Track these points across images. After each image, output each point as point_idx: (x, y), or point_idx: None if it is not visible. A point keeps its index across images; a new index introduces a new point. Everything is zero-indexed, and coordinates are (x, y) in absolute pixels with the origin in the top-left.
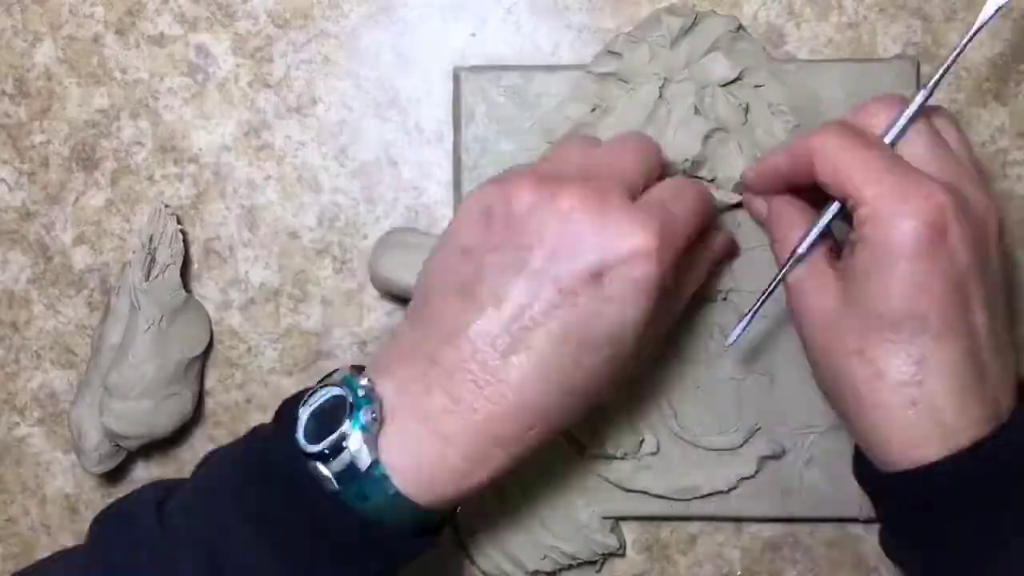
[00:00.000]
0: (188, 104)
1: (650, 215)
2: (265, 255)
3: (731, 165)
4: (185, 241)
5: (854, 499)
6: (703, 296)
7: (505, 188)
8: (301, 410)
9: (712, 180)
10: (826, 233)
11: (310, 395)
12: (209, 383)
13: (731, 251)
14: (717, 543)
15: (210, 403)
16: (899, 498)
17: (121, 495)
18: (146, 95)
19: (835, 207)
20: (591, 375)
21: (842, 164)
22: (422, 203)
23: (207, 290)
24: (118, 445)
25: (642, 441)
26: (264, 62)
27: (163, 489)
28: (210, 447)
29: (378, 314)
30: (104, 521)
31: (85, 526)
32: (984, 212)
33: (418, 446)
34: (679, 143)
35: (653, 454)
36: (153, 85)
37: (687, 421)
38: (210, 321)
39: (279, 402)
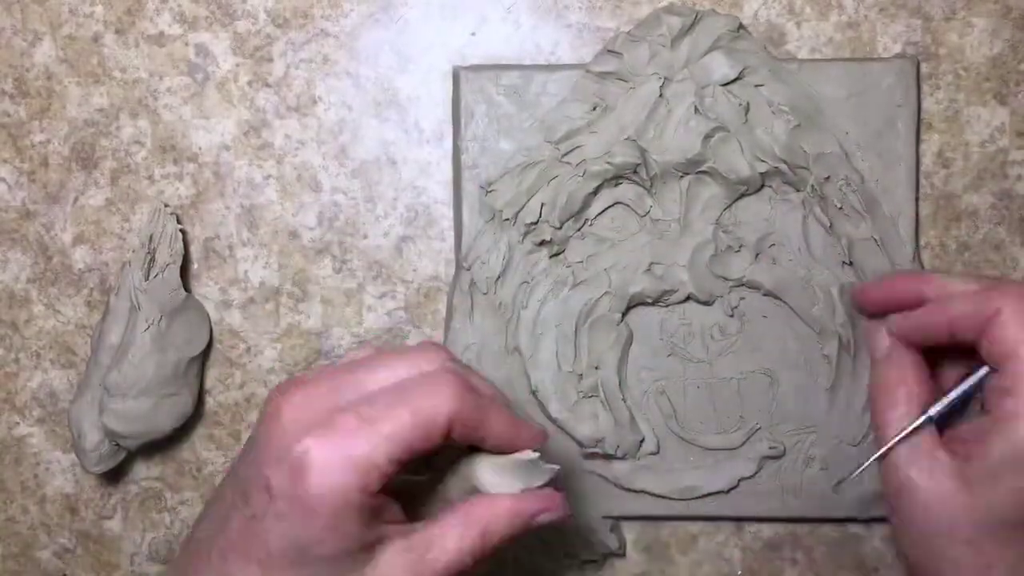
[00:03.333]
0: (188, 103)
1: (329, 426)
2: (265, 255)
3: (731, 164)
4: (185, 241)
5: (854, 499)
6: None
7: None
8: None
9: (712, 176)
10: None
11: None
12: (209, 383)
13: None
14: (717, 543)
15: (210, 403)
16: None
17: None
18: (146, 95)
19: (983, 372)
20: None
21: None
22: (422, 203)
23: (207, 290)
24: (118, 445)
25: (642, 441)
26: (264, 62)
27: None
28: (210, 447)
29: (378, 314)
30: None
31: (85, 526)
32: None
33: None
34: (679, 142)
35: (653, 454)
36: (153, 84)
37: (687, 421)
38: (210, 321)
39: None
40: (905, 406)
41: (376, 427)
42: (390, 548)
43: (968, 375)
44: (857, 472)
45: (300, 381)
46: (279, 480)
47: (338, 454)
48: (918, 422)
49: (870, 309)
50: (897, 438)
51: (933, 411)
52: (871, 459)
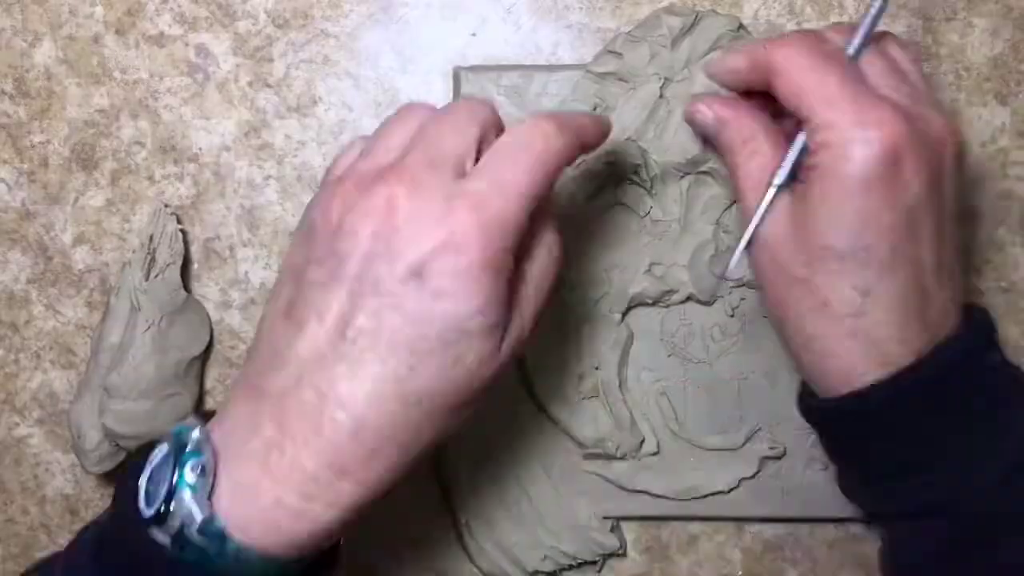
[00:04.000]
0: (188, 104)
1: (468, 192)
2: (265, 255)
3: None
4: (185, 241)
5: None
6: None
7: (321, 197)
8: (145, 466)
9: (712, 176)
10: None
11: (148, 452)
12: (209, 383)
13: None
14: (718, 543)
15: (210, 403)
16: (839, 423)
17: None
18: (146, 95)
19: (803, 138)
20: (436, 384)
21: (803, 83)
22: None
23: (207, 290)
24: (118, 445)
25: (642, 441)
26: (264, 62)
27: (37, 570)
28: None
29: None
30: None
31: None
32: (941, 137)
33: (252, 492)
34: (679, 143)
35: (653, 454)
36: (153, 85)
37: (687, 421)
38: (210, 321)
39: None
40: (757, 158)
41: (508, 184)
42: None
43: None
44: (735, 259)
45: (390, 170)
46: (431, 259)
47: (487, 219)
48: (768, 196)
49: (728, 84)
50: (755, 220)
51: (777, 180)
52: (743, 243)
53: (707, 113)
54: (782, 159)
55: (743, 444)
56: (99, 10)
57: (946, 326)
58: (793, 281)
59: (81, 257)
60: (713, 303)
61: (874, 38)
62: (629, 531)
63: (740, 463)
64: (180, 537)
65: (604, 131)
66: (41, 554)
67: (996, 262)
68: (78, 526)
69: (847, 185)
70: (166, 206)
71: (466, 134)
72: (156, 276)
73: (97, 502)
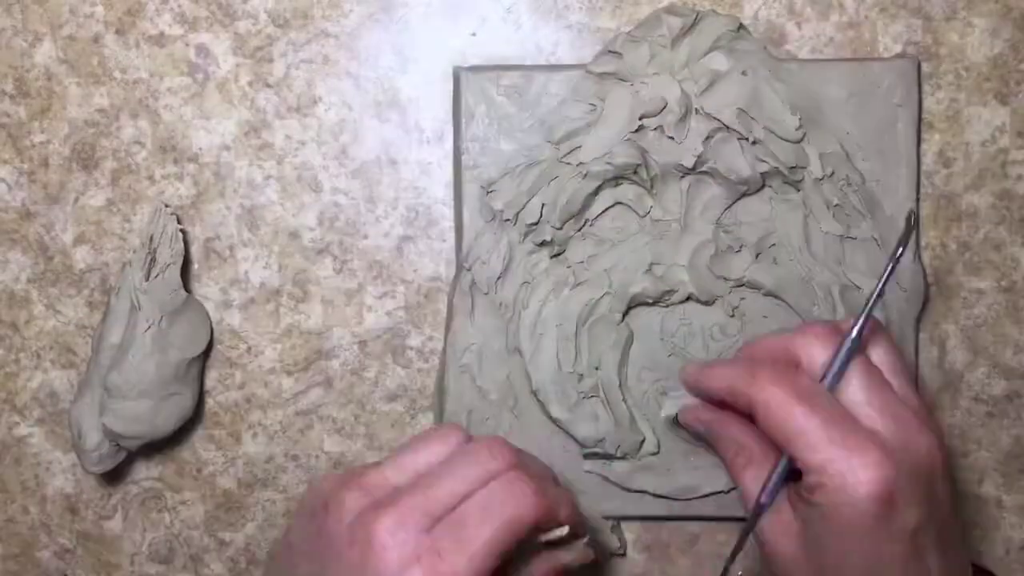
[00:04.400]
0: (188, 104)
1: (428, 553)
2: (265, 255)
3: (732, 165)
4: (185, 241)
5: None
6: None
7: (329, 497)
8: None
9: (712, 176)
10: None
11: None
12: (209, 383)
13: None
14: (718, 543)
15: (210, 403)
16: None
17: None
18: (146, 95)
19: (785, 462)
20: None
21: (784, 426)
22: (422, 203)
23: (207, 290)
24: (118, 445)
25: (642, 441)
26: (264, 62)
27: None
28: (210, 447)
29: (378, 314)
30: None
31: (85, 526)
32: (928, 457)
33: None
34: (680, 143)
35: (653, 454)
36: (153, 85)
37: None
38: (210, 321)
39: (279, 401)
40: (750, 470)
41: (475, 547)
42: None
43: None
44: (733, 560)
45: (384, 503)
46: None
47: (445, 569)
48: (751, 519)
49: (705, 397)
50: (743, 536)
51: (764, 498)
52: (738, 546)
53: (697, 424)
54: (765, 482)
55: None
56: (99, 10)
57: None
58: None
59: (81, 257)
60: (713, 303)
61: (861, 344)
62: (629, 531)
63: None
64: None
65: (574, 511)
66: (41, 553)
67: (996, 262)
68: (78, 526)
69: (848, 527)
70: (166, 206)
71: (457, 486)
72: (156, 276)
73: (97, 502)
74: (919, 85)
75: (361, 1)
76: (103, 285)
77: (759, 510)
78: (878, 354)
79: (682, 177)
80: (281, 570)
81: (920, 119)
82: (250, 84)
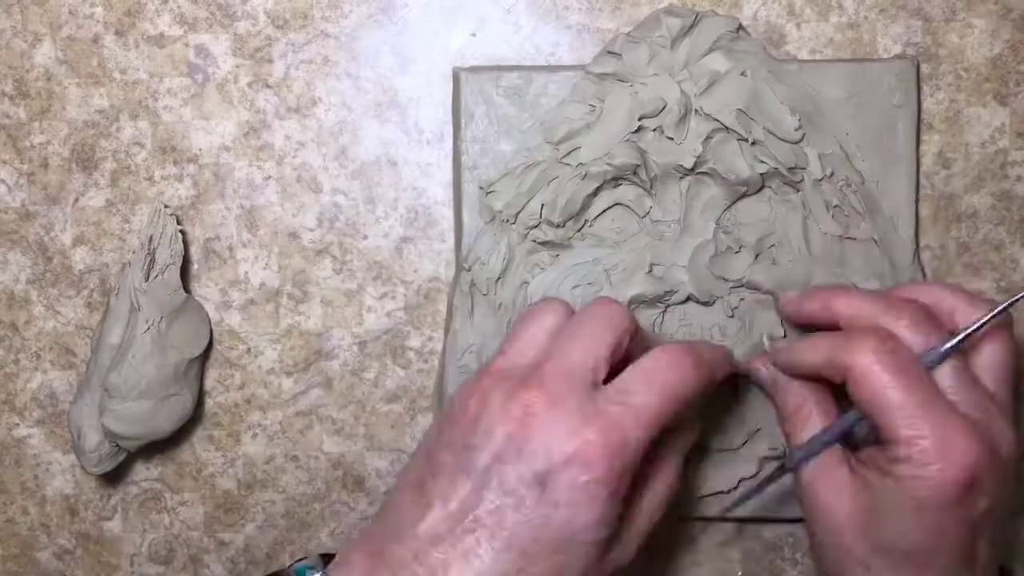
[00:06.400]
0: (188, 104)
1: (599, 411)
2: (265, 255)
3: (731, 165)
4: (185, 241)
5: None
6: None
7: (465, 390)
8: None
9: (712, 177)
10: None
11: None
12: (209, 383)
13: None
14: (717, 543)
15: (210, 403)
16: None
17: (119, 497)
18: (146, 95)
19: (854, 417)
20: None
21: (880, 394)
22: (422, 203)
23: (207, 290)
24: (118, 445)
25: None
26: (264, 63)
27: None
28: (210, 447)
29: (378, 314)
30: None
31: (85, 527)
32: (1010, 454)
33: None
34: (679, 143)
35: None
36: (153, 85)
37: None
38: (210, 321)
39: (278, 402)
40: (811, 421)
41: (641, 412)
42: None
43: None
44: (739, 498)
45: (533, 377)
46: (556, 471)
47: (615, 442)
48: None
49: (794, 320)
50: (776, 474)
51: (799, 454)
52: (764, 485)
53: (764, 373)
54: (822, 432)
55: (743, 444)
56: (99, 11)
57: None
58: (855, 562)
59: (81, 257)
60: (713, 303)
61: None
62: None
63: (740, 463)
64: None
65: (730, 367)
66: (40, 554)
67: (996, 262)
68: (78, 526)
69: (922, 502)
70: (166, 207)
71: (601, 345)
72: (156, 277)
73: (97, 502)
74: (918, 86)
75: (361, 2)
76: (102, 286)
77: (802, 459)
78: (989, 350)
79: (682, 178)
80: (419, 481)
81: (919, 120)
82: (250, 85)
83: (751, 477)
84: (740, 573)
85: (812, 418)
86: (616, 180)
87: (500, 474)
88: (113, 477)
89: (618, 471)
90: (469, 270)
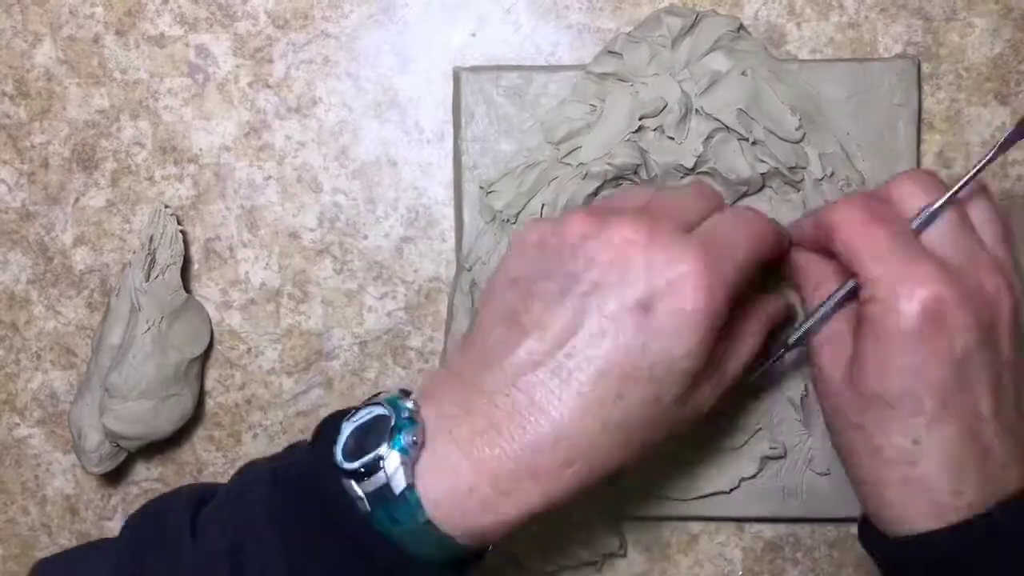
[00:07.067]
0: (188, 104)
1: (699, 244)
2: (265, 255)
3: (732, 165)
4: (185, 241)
5: (855, 499)
6: None
7: (558, 221)
8: (344, 425)
9: (712, 177)
10: (853, 298)
11: (354, 412)
12: (209, 383)
13: (788, 315)
14: (718, 543)
15: (210, 403)
16: (890, 560)
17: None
18: (146, 95)
19: (851, 283)
20: (635, 414)
21: (854, 240)
22: (422, 203)
23: (207, 290)
24: (118, 445)
25: None
26: (264, 63)
27: (198, 493)
28: (210, 448)
29: (378, 314)
30: (139, 521)
31: (85, 526)
32: (992, 294)
33: (452, 473)
34: (680, 143)
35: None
36: (153, 85)
37: None
38: (210, 321)
39: (279, 402)
40: (818, 280)
41: (733, 250)
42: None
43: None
44: (774, 359)
45: (628, 210)
46: (659, 298)
47: (715, 273)
48: (797, 334)
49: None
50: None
51: (809, 319)
52: (782, 352)
53: (792, 258)
54: (826, 299)
55: (743, 444)
56: (99, 11)
57: (1010, 480)
58: (851, 425)
59: (81, 258)
60: None
61: (962, 198)
62: (629, 531)
63: (740, 463)
64: (378, 497)
65: (787, 249)
66: (41, 554)
67: None
68: (78, 526)
69: (893, 338)
70: (166, 207)
71: (697, 204)
72: (156, 277)
73: (97, 502)
74: (919, 85)
75: (361, 2)
76: (103, 286)
77: (804, 334)
78: (976, 209)
79: (682, 177)
80: (510, 311)
81: (920, 119)
82: (250, 85)
83: (752, 477)
84: (740, 573)
85: (829, 291)
86: (617, 180)
87: (601, 300)
88: (113, 477)
89: (716, 302)
90: (470, 270)
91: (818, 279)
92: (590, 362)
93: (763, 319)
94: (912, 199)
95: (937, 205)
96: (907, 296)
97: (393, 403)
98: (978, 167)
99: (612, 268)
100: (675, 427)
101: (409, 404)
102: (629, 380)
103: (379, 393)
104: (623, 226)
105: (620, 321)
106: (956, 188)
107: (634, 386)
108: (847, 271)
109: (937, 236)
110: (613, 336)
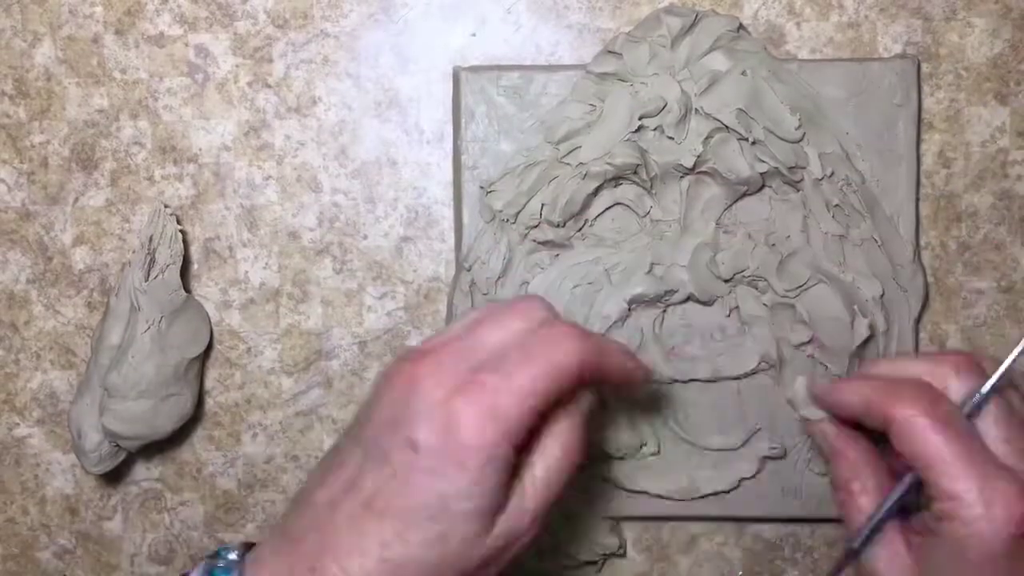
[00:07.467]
0: (188, 104)
1: (474, 381)
2: (265, 255)
3: (731, 165)
4: (185, 241)
5: None
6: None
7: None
8: None
9: (712, 176)
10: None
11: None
12: (209, 383)
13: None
14: (718, 543)
15: (210, 403)
16: None
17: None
18: (145, 95)
19: (909, 481)
20: (420, 554)
21: (922, 447)
22: (422, 203)
23: (207, 290)
24: (118, 445)
25: (643, 444)
26: (264, 62)
27: None
28: (210, 447)
29: (378, 314)
30: None
31: (85, 526)
32: None
33: None
34: (679, 143)
35: (654, 454)
36: (152, 85)
37: (688, 421)
38: (210, 321)
39: (278, 402)
40: (863, 497)
41: (516, 381)
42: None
43: (904, 473)
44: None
45: (426, 350)
46: (427, 436)
47: (487, 409)
48: (862, 537)
49: (834, 412)
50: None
51: (873, 522)
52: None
53: (826, 438)
54: (877, 509)
55: (743, 444)
56: (99, 10)
57: None
58: None
59: (81, 257)
60: (713, 303)
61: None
62: (629, 531)
63: (740, 463)
64: None
65: (637, 376)
66: (40, 554)
67: (996, 262)
68: (78, 526)
69: (972, 560)
70: (166, 206)
71: (495, 335)
72: (156, 276)
73: (97, 502)
74: (919, 85)
75: (361, 1)
76: (102, 286)
77: (867, 539)
78: (1016, 399)
79: (682, 177)
80: (325, 458)
81: (920, 119)
82: (250, 84)
83: (751, 477)
84: (740, 573)
85: (867, 487)
86: (616, 180)
87: (382, 442)
88: (113, 477)
89: (488, 439)
90: (469, 270)
91: (856, 469)
92: (372, 504)
93: (572, 424)
94: (952, 383)
95: (986, 389)
96: (990, 519)
97: (207, 567)
98: (1021, 349)
99: (392, 408)
100: (490, 561)
101: (232, 555)
102: (408, 521)
103: (218, 552)
104: (406, 368)
105: (395, 463)
106: (1001, 369)
107: (414, 527)
108: (899, 461)
109: (989, 431)
110: (391, 477)
